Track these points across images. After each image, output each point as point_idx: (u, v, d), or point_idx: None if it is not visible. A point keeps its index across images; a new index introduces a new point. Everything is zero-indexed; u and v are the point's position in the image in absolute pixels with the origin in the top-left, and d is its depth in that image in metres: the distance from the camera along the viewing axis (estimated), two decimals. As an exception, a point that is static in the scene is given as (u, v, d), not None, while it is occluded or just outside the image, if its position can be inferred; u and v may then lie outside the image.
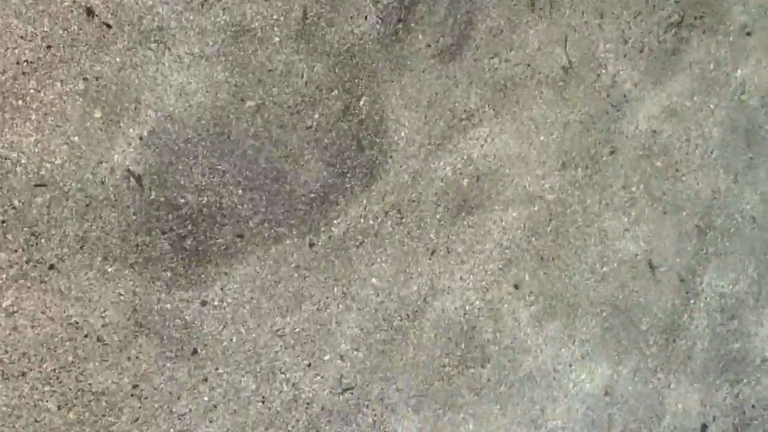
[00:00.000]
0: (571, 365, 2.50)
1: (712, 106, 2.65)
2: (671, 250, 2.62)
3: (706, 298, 2.70)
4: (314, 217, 2.11)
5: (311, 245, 2.11)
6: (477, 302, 2.34)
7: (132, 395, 1.93)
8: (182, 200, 1.95)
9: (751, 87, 2.72)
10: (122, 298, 1.90)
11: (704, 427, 2.69)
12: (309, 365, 2.13)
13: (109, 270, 1.88)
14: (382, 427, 2.24)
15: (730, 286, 2.75)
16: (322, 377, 2.15)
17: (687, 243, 2.64)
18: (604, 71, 2.47)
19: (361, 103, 2.14)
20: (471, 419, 2.36)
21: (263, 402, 2.08)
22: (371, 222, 2.18)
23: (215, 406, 2.03)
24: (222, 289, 2.01)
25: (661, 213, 2.59)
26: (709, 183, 2.66)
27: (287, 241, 2.08)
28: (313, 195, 2.10)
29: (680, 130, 2.59)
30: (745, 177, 2.73)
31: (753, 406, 2.79)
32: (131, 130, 1.89)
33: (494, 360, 2.37)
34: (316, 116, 2.08)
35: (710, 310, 2.71)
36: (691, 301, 2.67)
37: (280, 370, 2.10)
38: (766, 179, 2.77)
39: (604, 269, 2.54)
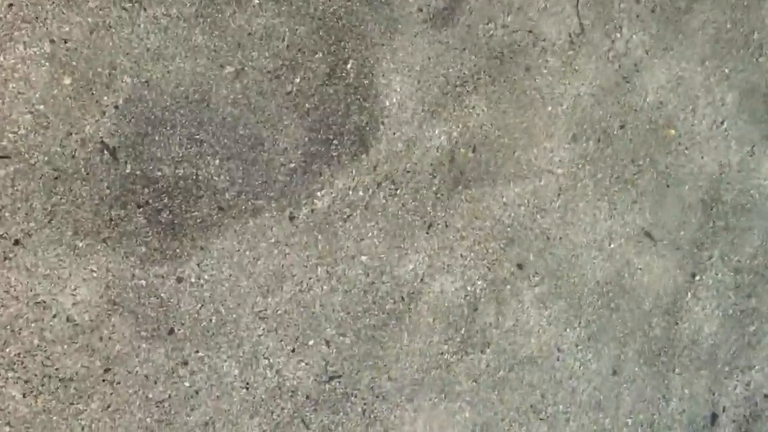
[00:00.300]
0: (577, 345, 2.50)
1: (726, 70, 2.65)
2: (674, 223, 2.62)
3: (716, 274, 2.70)
4: (294, 189, 2.10)
5: (291, 219, 2.11)
6: (479, 282, 2.34)
7: (104, 380, 1.92)
8: (158, 173, 1.94)
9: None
10: (94, 274, 1.89)
11: (714, 417, 2.70)
12: (293, 351, 2.13)
13: (80, 245, 1.87)
14: (372, 416, 2.24)
15: (748, 261, 2.75)
16: (306, 364, 2.15)
17: (691, 216, 2.64)
18: (618, 35, 2.46)
19: (348, 66, 2.13)
20: (468, 407, 2.36)
21: (247, 389, 2.09)
22: (361, 194, 2.17)
23: (197, 392, 2.03)
24: (198, 264, 2.00)
25: (664, 186, 2.59)
26: (717, 156, 2.66)
27: (266, 214, 2.07)
28: (293, 165, 2.09)
29: (686, 101, 2.59)
30: (763, 148, 2.73)
31: (766, 396, 2.80)
32: (105, 98, 1.88)
33: (494, 344, 2.38)
34: (297, 80, 2.07)
35: (721, 288, 2.71)
36: (697, 278, 2.67)
37: (263, 355, 2.10)
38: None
39: (612, 245, 2.54)
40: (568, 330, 2.49)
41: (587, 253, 2.49)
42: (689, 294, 2.68)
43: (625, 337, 2.58)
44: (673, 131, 2.61)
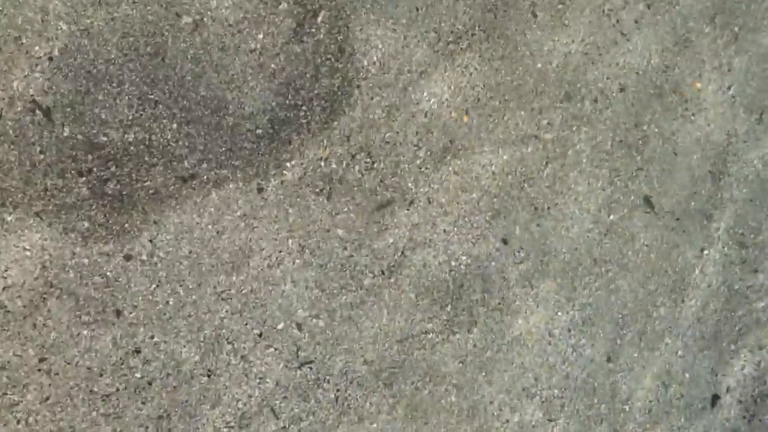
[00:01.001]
0: (569, 330, 2.26)
1: (736, 29, 2.36)
2: (683, 193, 2.36)
3: (723, 248, 2.46)
4: (262, 158, 1.83)
5: (260, 190, 1.84)
6: (463, 258, 2.08)
7: (39, 370, 1.67)
8: (104, 137, 1.67)
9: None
10: (27, 253, 1.63)
11: (715, 398, 2.48)
12: (260, 335, 1.88)
13: (9, 219, 1.61)
14: (345, 404, 2.01)
15: (752, 235, 2.50)
16: (275, 349, 1.90)
17: (701, 187, 2.38)
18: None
19: (319, 19, 1.84)
20: (454, 390, 2.12)
21: (209, 376, 1.84)
22: (334, 166, 1.90)
23: (150, 383, 1.77)
24: (151, 240, 1.74)
25: (671, 154, 2.32)
26: (724, 124, 2.39)
27: (230, 185, 1.80)
28: (260, 131, 1.82)
29: (693, 65, 2.31)
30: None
31: (773, 374, 2.59)
32: (36, 48, 1.59)
33: (481, 323, 2.13)
34: (261, 36, 1.78)
35: (727, 263, 2.47)
36: (705, 252, 2.42)
37: (227, 339, 1.85)
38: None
39: (612, 217, 2.28)
40: (559, 313, 2.25)
41: (579, 227, 2.22)
42: (697, 270, 2.43)
43: (624, 319, 2.34)
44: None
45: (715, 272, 2.46)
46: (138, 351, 1.76)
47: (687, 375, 2.46)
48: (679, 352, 2.43)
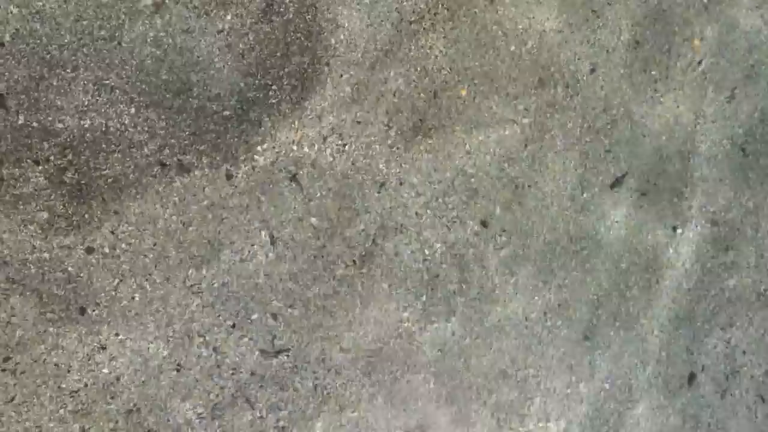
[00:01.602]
0: (545, 313, 2.22)
1: (705, 0, 2.34)
2: (652, 172, 2.33)
3: (696, 227, 2.43)
4: (231, 142, 1.75)
5: (228, 177, 1.76)
6: (438, 246, 2.02)
7: (3, 370, 1.57)
8: (60, 124, 1.58)
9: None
10: (-17, 248, 1.53)
11: (692, 376, 2.47)
12: (233, 326, 1.81)
13: (-39, 212, 1.51)
14: (326, 392, 1.94)
15: (723, 213, 2.48)
16: (250, 339, 1.84)
17: (669, 166, 2.35)
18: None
19: (287, -2, 1.77)
20: (432, 378, 2.08)
21: (178, 370, 1.76)
22: (306, 150, 1.83)
23: (117, 379, 1.69)
24: (113, 232, 1.65)
25: (640, 136, 2.29)
26: (692, 105, 2.36)
27: (196, 172, 1.72)
28: (228, 113, 1.73)
29: (662, 39, 2.28)
30: (744, 91, 2.44)
31: (744, 352, 2.58)
32: (-14, 33, 1.49)
33: (459, 313, 2.08)
34: (229, 17, 1.70)
35: (700, 241, 2.45)
36: (679, 231, 2.40)
37: (198, 333, 1.77)
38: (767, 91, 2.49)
39: (585, 195, 2.24)
40: (536, 297, 2.20)
41: (558, 205, 2.18)
42: (671, 249, 2.41)
43: (600, 299, 2.31)
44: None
45: (688, 251, 2.44)
46: (104, 348, 1.67)
47: (663, 354, 2.44)
48: (655, 332, 2.41)
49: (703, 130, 2.42)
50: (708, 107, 2.41)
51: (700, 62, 2.36)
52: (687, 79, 2.36)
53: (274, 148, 1.80)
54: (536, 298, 2.21)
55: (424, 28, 1.94)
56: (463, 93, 2.00)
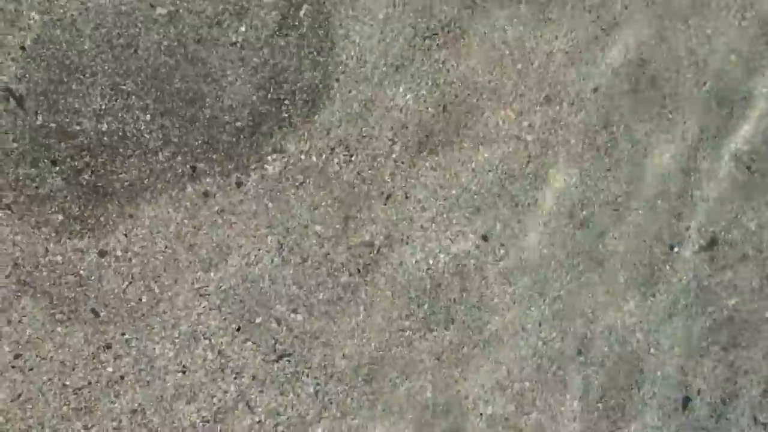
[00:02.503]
0: (540, 324, 2.25)
1: (708, 31, 2.37)
2: (651, 192, 2.36)
3: (693, 246, 2.46)
4: (242, 152, 1.79)
5: (239, 185, 1.79)
6: (441, 256, 2.06)
7: (13, 367, 1.61)
8: (77, 127, 1.61)
9: (753, 11, 2.44)
10: (-2, 248, 1.57)
11: (686, 400, 2.48)
12: (238, 329, 1.85)
13: (-22, 212, 1.55)
14: (326, 398, 1.97)
15: (723, 233, 2.51)
16: (253, 343, 1.87)
17: (670, 185, 2.38)
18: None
19: (302, 13, 1.81)
20: (429, 386, 2.11)
21: (184, 372, 1.80)
22: (314, 159, 1.87)
23: (122, 378, 1.73)
24: (126, 235, 1.69)
25: (641, 156, 2.32)
26: (697, 120, 2.39)
27: (207, 179, 1.76)
28: (240, 124, 1.77)
29: (670, 59, 2.31)
30: (741, 110, 2.47)
31: (746, 372, 2.60)
32: (10, 37, 1.55)
33: (458, 321, 2.11)
34: (243, 29, 1.74)
35: (697, 260, 2.47)
36: (675, 249, 2.43)
37: (203, 335, 1.81)
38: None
39: (584, 213, 2.27)
40: (532, 308, 2.24)
41: (556, 221, 2.22)
42: (667, 266, 2.44)
43: (595, 313, 2.34)
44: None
45: (684, 268, 2.47)
46: (108, 347, 1.71)
47: (659, 373, 2.46)
48: (651, 350, 2.44)
49: (706, 145, 2.45)
50: (712, 122, 2.44)
51: (705, 83, 2.40)
52: (694, 96, 2.40)
53: (283, 158, 1.84)
54: (532, 308, 2.24)
55: (437, 45, 1.98)
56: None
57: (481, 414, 2.20)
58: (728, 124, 2.47)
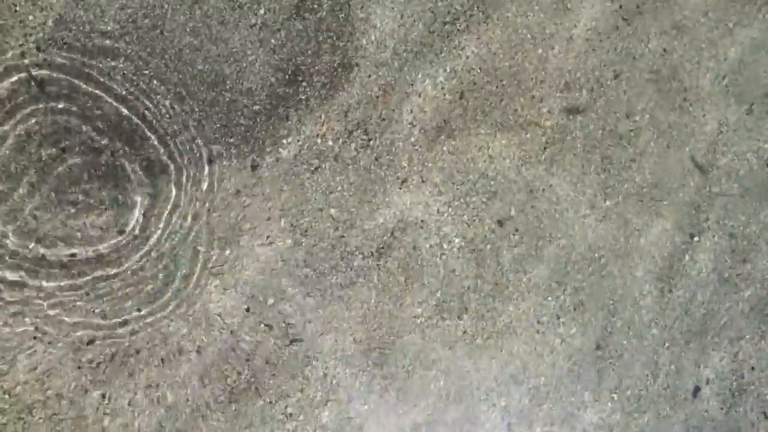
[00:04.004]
0: (558, 317, 2.26)
1: (730, 24, 2.35)
2: (673, 185, 2.35)
3: (713, 237, 2.45)
4: (258, 134, 1.82)
5: (254, 167, 1.83)
6: (457, 240, 2.07)
7: (34, 338, 1.66)
8: (98, 111, 1.65)
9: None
10: (19, 224, 1.61)
11: (697, 389, 2.49)
12: (248, 310, 1.87)
13: (1, 189, 1.59)
14: (334, 382, 2.00)
15: (741, 228, 2.50)
16: (264, 325, 1.89)
17: (690, 179, 2.37)
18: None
19: (321, -4, 1.83)
20: (442, 376, 2.12)
21: (198, 351, 1.83)
22: (330, 143, 1.89)
23: (137, 351, 1.77)
24: (144, 214, 1.73)
25: (664, 147, 2.31)
26: (717, 114, 2.38)
27: (224, 162, 1.79)
28: (257, 107, 1.80)
29: (692, 51, 2.30)
30: (762, 107, 2.45)
31: (752, 368, 2.59)
32: (31, 17, 1.58)
33: (472, 310, 2.12)
34: (262, 12, 1.77)
35: (717, 250, 2.46)
36: (695, 239, 2.42)
37: (216, 314, 1.84)
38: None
39: (607, 203, 2.27)
40: (549, 298, 2.24)
41: (574, 211, 2.21)
42: (687, 256, 2.43)
43: (615, 305, 2.34)
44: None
45: (705, 259, 2.46)
46: (125, 323, 1.75)
47: (673, 366, 2.46)
48: (666, 344, 2.43)
49: (725, 139, 2.43)
50: (731, 116, 2.43)
51: (724, 77, 2.38)
52: (713, 90, 2.38)
53: (298, 140, 1.87)
54: (549, 299, 2.25)
55: (458, 29, 1.99)
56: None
57: (494, 405, 2.22)
58: (747, 120, 2.46)
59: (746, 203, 2.50)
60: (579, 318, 2.30)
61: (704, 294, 2.48)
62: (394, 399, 2.08)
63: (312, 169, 1.89)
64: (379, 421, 2.06)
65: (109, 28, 1.64)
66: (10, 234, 1.61)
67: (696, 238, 2.44)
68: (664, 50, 2.28)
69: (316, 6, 1.83)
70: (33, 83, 1.59)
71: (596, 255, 2.29)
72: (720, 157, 2.43)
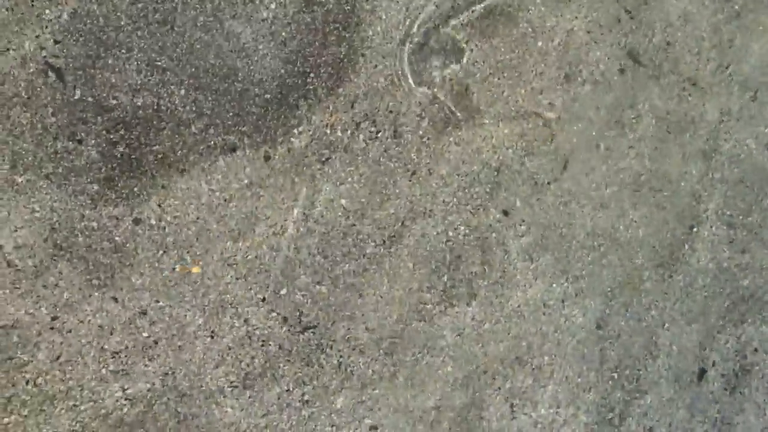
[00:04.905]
0: (563, 301, 2.30)
1: (737, 6, 2.39)
2: (674, 173, 2.39)
3: (711, 227, 2.50)
4: (270, 125, 1.85)
5: (267, 158, 1.86)
6: (462, 228, 2.10)
7: (52, 328, 1.69)
8: (113, 101, 1.68)
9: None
10: (37, 214, 1.65)
11: (702, 372, 2.53)
12: (263, 300, 1.91)
13: (20, 181, 1.62)
14: (349, 370, 2.04)
15: (741, 217, 2.54)
16: (278, 314, 1.93)
17: (692, 167, 2.42)
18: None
19: (329, -11, 1.85)
20: (450, 361, 2.16)
21: (212, 337, 1.87)
22: (339, 134, 1.92)
23: (156, 342, 1.80)
24: (159, 205, 1.75)
25: (665, 132, 2.35)
26: (719, 103, 2.42)
27: (238, 152, 1.82)
28: (269, 97, 1.83)
29: (692, 42, 2.33)
30: (767, 93, 2.49)
31: (756, 350, 2.64)
32: (48, 11, 1.60)
33: (481, 296, 2.16)
34: (273, 6, 1.79)
35: (716, 241, 2.51)
36: (694, 230, 2.46)
37: (230, 304, 1.87)
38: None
39: (607, 191, 2.31)
40: (554, 285, 2.28)
41: (576, 202, 2.25)
42: (686, 246, 2.47)
43: (613, 291, 2.38)
44: None
45: (703, 249, 2.50)
46: (144, 312, 1.78)
47: (674, 347, 2.50)
48: (666, 325, 2.48)
49: (728, 127, 2.47)
50: (734, 105, 2.46)
51: (727, 66, 2.42)
52: (715, 80, 2.42)
53: (309, 131, 1.89)
54: (554, 285, 2.29)
55: (461, 23, 2.02)
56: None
57: (499, 388, 2.26)
58: (751, 109, 2.49)
59: (747, 191, 2.54)
60: (580, 303, 2.34)
61: (704, 280, 2.52)
62: (403, 384, 2.11)
63: (323, 160, 1.92)
64: (390, 405, 2.10)
65: (122, 22, 1.66)
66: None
67: (695, 229, 2.49)
68: (668, 43, 2.31)
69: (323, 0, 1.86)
70: (51, 74, 1.61)
71: (596, 243, 2.33)
72: (722, 144, 2.47)
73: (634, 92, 2.29)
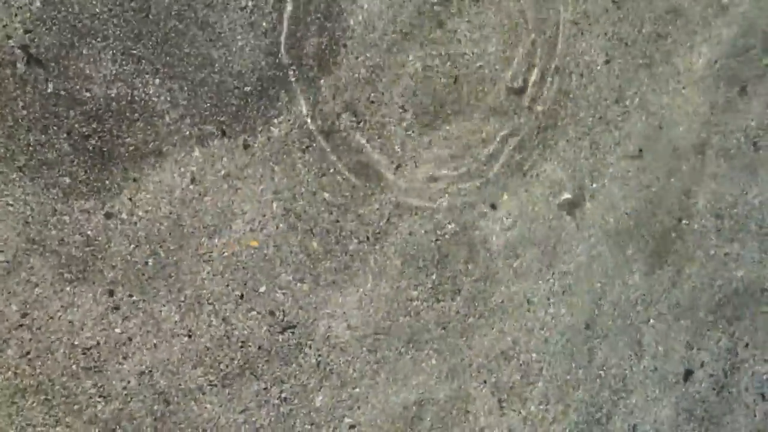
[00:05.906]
0: (549, 299, 2.27)
1: (725, 0, 2.34)
2: (664, 169, 2.36)
3: (701, 220, 2.46)
4: (249, 114, 1.80)
5: (246, 147, 1.81)
6: (450, 226, 2.07)
7: (21, 325, 1.65)
8: (87, 93, 1.63)
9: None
10: (10, 208, 1.61)
11: (688, 373, 2.50)
12: (241, 297, 1.87)
13: (-10, 173, 1.58)
14: (328, 369, 2.00)
15: (728, 209, 2.51)
16: (257, 312, 1.89)
17: (683, 162, 2.38)
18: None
19: (310, -23, 1.81)
20: (435, 354, 2.13)
21: (189, 336, 1.83)
22: (319, 122, 1.87)
23: (130, 339, 1.77)
24: (131, 199, 1.71)
25: (656, 128, 2.31)
26: (708, 97, 2.38)
27: (215, 142, 1.77)
28: (248, 88, 1.78)
29: (684, 35, 2.29)
30: (754, 88, 2.45)
31: (747, 345, 2.61)
32: (17, -1, 1.55)
33: (465, 291, 2.13)
34: (254, -7, 1.74)
35: (705, 231, 2.48)
36: (683, 222, 2.43)
37: (207, 300, 1.83)
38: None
39: (594, 185, 2.28)
40: (540, 282, 2.25)
41: (566, 192, 2.22)
42: (673, 234, 2.44)
43: (603, 287, 2.35)
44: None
45: (692, 239, 2.47)
46: (117, 308, 1.75)
47: (660, 348, 2.48)
48: (651, 321, 2.45)
49: (716, 120, 2.44)
50: (721, 98, 2.42)
51: (716, 61, 2.38)
52: (705, 73, 2.38)
53: (289, 120, 1.85)
54: (540, 282, 2.26)
55: (451, 12, 1.97)
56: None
57: (485, 381, 2.23)
58: (739, 102, 2.46)
59: (734, 184, 2.51)
60: (567, 300, 2.31)
61: (691, 268, 2.49)
62: (385, 381, 2.09)
63: (303, 147, 1.88)
64: (370, 403, 2.08)
65: (96, 10, 1.61)
66: None
67: (684, 222, 2.46)
68: (659, 35, 2.27)
69: (306, -13, 1.81)
70: (21, 65, 1.56)
71: (586, 235, 2.30)
72: (712, 137, 2.43)
73: (620, 84, 2.25)
